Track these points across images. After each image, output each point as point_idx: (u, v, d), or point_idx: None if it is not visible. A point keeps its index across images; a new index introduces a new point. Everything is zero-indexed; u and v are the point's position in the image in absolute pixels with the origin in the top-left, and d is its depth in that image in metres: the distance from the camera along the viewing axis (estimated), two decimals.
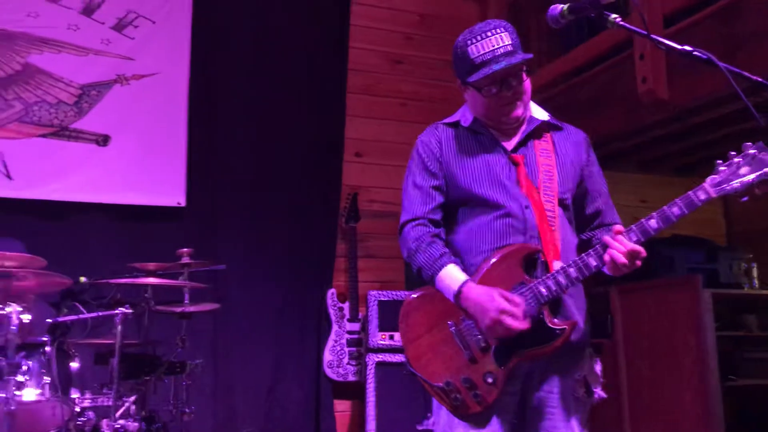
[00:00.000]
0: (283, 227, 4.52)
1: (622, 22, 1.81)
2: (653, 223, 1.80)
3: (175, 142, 4.32)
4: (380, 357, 4.20)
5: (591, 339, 2.04)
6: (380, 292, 4.35)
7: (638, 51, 3.54)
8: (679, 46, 1.76)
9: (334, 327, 4.42)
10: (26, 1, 4.12)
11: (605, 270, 1.88)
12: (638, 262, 1.82)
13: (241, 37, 4.61)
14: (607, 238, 1.83)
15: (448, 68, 5.09)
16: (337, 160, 4.76)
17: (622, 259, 1.79)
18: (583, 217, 2.09)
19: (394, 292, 4.36)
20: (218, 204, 4.41)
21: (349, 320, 4.44)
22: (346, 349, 4.39)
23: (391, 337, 4.22)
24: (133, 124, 4.26)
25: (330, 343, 4.39)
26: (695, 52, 1.71)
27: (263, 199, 4.51)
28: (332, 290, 4.50)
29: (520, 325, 1.79)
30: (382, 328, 4.25)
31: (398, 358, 4.18)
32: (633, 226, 1.84)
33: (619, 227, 1.86)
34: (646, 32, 1.78)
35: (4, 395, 2.61)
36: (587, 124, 4.19)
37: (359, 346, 4.40)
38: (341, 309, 4.46)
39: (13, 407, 2.61)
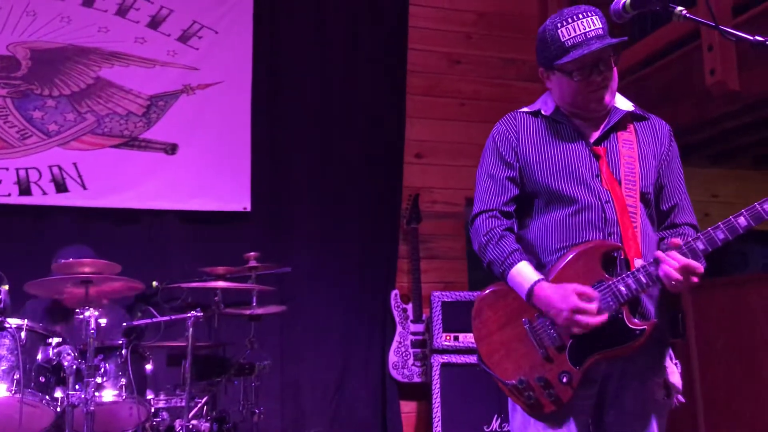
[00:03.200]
0: (346, 230, 4.56)
1: (689, 15, 1.75)
2: (720, 234, 1.74)
3: (239, 148, 4.42)
4: (445, 358, 4.19)
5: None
6: (443, 293, 4.34)
7: (706, 42, 3.44)
8: (749, 36, 1.70)
9: (398, 328, 4.43)
10: (97, 17, 4.29)
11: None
12: (694, 279, 1.74)
13: (301, 43, 4.67)
14: (658, 253, 1.76)
15: (507, 66, 5.10)
16: (398, 161, 4.77)
17: (677, 275, 1.72)
18: (658, 212, 2.01)
19: (457, 293, 4.34)
20: (282, 208, 4.49)
21: (412, 321, 4.44)
22: (411, 351, 4.39)
23: (456, 338, 4.21)
24: (199, 133, 4.38)
25: (394, 344, 4.40)
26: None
27: (326, 203, 4.56)
28: (395, 291, 4.52)
29: (596, 320, 1.75)
30: (446, 329, 4.24)
31: (463, 359, 4.16)
32: (700, 234, 1.77)
33: (677, 240, 1.78)
34: (714, 23, 1.73)
35: (84, 396, 2.72)
36: None
37: (423, 347, 4.39)
38: (405, 310, 4.47)
39: (92, 407, 2.72)
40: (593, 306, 1.76)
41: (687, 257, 1.74)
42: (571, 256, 1.85)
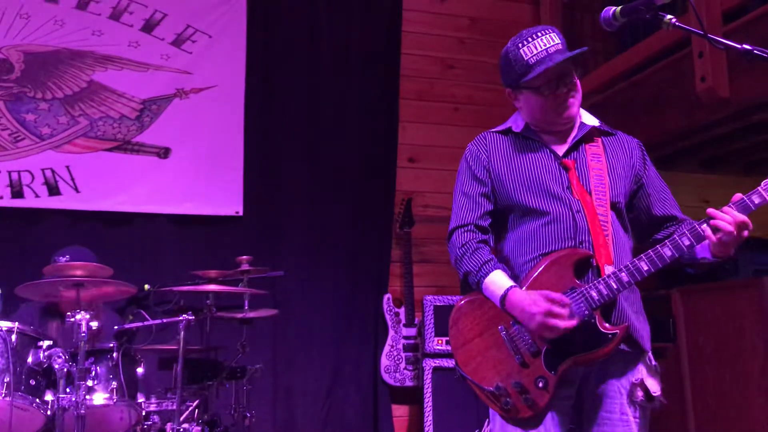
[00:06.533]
0: (339, 233, 4.57)
1: (678, 23, 1.77)
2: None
3: (232, 152, 4.42)
4: (437, 362, 4.20)
5: (653, 342, 2.01)
6: (436, 297, 4.35)
7: (697, 49, 3.46)
8: (738, 45, 1.71)
9: (391, 332, 4.43)
10: (91, 21, 4.28)
11: (702, 252, 1.86)
12: (745, 233, 1.79)
13: (295, 48, 4.68)
14: (711, 210, 1.81)
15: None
16: (391, 165, 4.78)
17: (729, 228, 1.76)
18: (654, 219, 2.07)
19: (449, 297, 4.35)
20: (275, 212, 4.48)
21: (405, 325, 4.45)
22: (403, 354, 4.40)
23: (448, 342, 4.20)
24: (192, 137, 4.37)
25: (386, 348, 4.40)
26: (756, 51, 1.67)
27: (319, 207, 4.56)
28: (388, 295, 4.52)
29: (567, 324, 1.79)
30: (438, 333, 4.25)
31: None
32: (667, 242, 1.84)
33: (739, 195, 1.84)
34: (702, 32, 1.74)
35: (74, 399, 2.71)
36: (646, 123, 4.13)
37: (416, 351, 4.40)
38: (397, 314, 4.47)
39: (83, 411, 2.71)
40: (564, 310, 1.80)
41: (742, 213, 1.79)
42: (544, 265, 1.91)
